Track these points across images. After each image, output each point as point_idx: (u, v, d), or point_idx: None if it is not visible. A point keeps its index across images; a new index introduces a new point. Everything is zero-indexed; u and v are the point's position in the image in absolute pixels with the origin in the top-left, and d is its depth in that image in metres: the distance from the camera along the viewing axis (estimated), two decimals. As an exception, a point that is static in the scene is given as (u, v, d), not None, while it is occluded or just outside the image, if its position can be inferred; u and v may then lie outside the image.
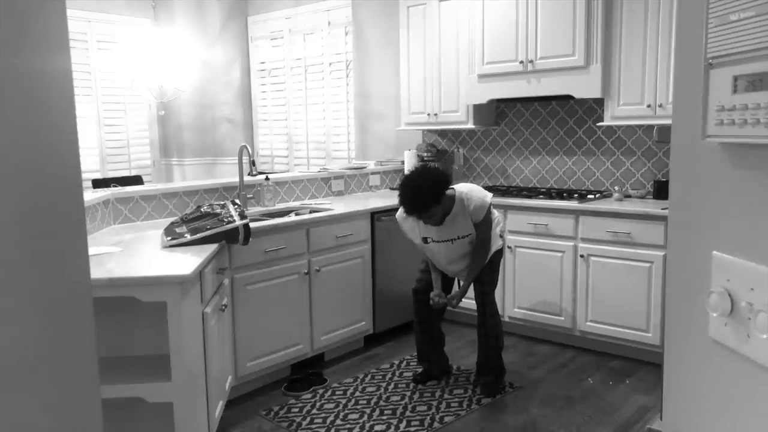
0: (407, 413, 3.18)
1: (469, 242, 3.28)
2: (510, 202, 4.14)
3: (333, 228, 3.80)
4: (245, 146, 4.04)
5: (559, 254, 3.96)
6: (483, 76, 4.41)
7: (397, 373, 3.68)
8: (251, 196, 4.08)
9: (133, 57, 6.22)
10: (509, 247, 4.14)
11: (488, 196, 3.28)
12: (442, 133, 5.19)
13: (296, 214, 3.93)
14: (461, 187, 3.27)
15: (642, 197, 4.08)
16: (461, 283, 3.40)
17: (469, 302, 3.63)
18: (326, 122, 6.09)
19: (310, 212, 3.97)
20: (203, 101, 6.61)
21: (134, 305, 2.51)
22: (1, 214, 0.83)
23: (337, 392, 3.43)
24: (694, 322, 1.02)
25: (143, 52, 6.21)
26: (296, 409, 3.23)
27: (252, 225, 3.15)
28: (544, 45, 4.10)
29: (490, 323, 3.37)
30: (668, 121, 3.51)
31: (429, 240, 3.28)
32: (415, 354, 3.65)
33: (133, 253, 2.74)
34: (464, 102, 4.60)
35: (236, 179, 4.02)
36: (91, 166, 6.03)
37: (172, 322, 2.37)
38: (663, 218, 3.52)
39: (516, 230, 4.14)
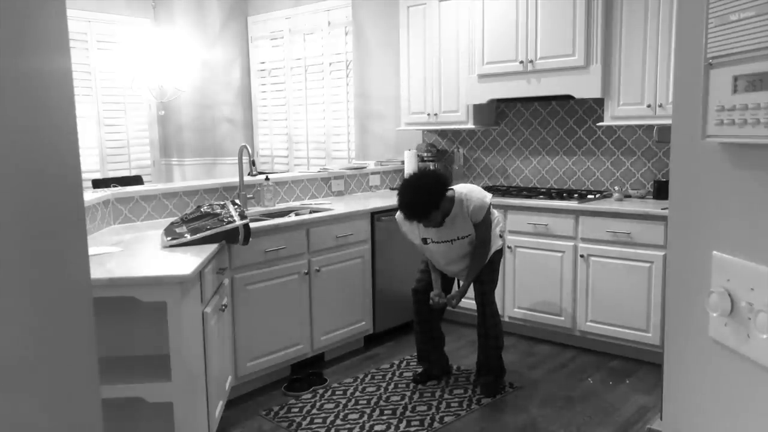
0: (407, 413, 3.18)
1: (468, 243, 3.28)
2: (510, 202, 4.14)
3: (333, 228, 3.80)
4: (245, 146, 4.04)
5: (559, 254, 3.96)
6: (483, 76, 4.41)
7: (397, 373, 3.68)
8: (251, 196, 4.08)
9: (133, 57, 6.22)
10: (509, 247, 4.14)
11: (487, 197, 3.28)
12: (442, 133, 5.19)
13: (296, 214, 3.93)
14: (460, 188, 3.27)
15: (642, 197, 4.08)
16: (461, 283, 3.40)
17: (469, 302, 3.63)
18: (326, 122, 6.09)
19: (310, 212, 3.97)
20: (203, 101, 6.61)
21: (134, 305, 2.51)
22: (1, 214, 0.83)
23: (337, 392, 3.43)
24: (694, 322, 1.02)
25: (143, 52, 6.21)
26: (296, 409, 3.23)
27: (252, 225, 3.15)
28: (544, 45, 4.10)
29: (490, 323, 3.37)
30: (668, 121, 3.51)
31: (428, 241, 3.28)
32: (415, 354, 3.65)
33: (133, 253, 2.74)
34: (464, 102, 4.60)
35: (236, 179, 4.02)
36: (91, 166, 6.03)
37: (172, 322, 2.37)
38: (663, 218, 3.52)
39: (516, 230, 4.14)
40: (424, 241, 3.29)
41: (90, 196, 3.25)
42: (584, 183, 4.49)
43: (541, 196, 4.18)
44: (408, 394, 3.40)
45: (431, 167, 5.00)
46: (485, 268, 3.34)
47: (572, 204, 3.92)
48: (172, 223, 3.18)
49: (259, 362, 3.41)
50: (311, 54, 6.14)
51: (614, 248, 3.73)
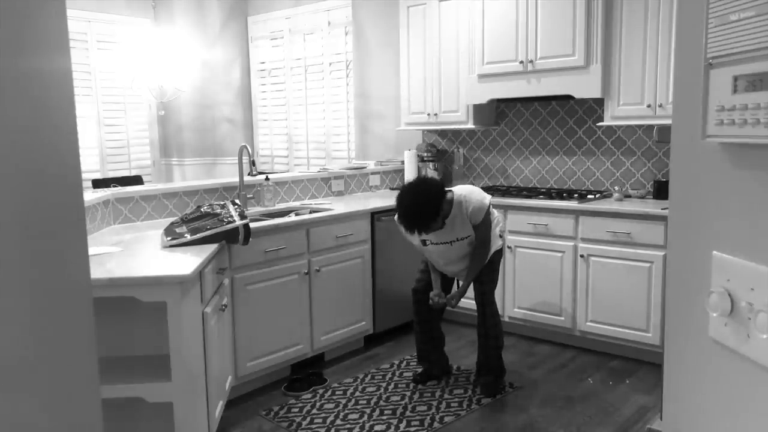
0: (407, 413, 3.18)
1: (468, 243, 3.27)
2: (510, 202, 4.14)
3: (333, 228, 3.80)
4: (245, 146, 4.04)
5: (559, 254, 3.96)
6: (483, 76, 4.41)
7: (397, 373, 3.68)
8: (251, 196, 4.08)
9: (133, 57, 6.22)
10: (509, 247, 4.14)
11: (487, 198, 3.27)
12: (442, 133, 5.19)
13: (296, 214, 3.93)
14: (460, 190, 3.27)
15: (642, 197, 4.08)
16: (461, 283, 3.40)
17: (469, 302, 3.63)
18: (326, 122, 6.09)
19: (310, 212, 3.97)
20: (203, 101, 6.61)
21: (134, 305, 2.51)
22: (1, 214, 0.83)
23: (337, 392, 3.43)
24: (694, 322, 1.02)
25: (143, 52, 6.21)
26: (296, 409, 3.23)
27: (252, 225, 3.15)
28: (544, 45, 4.10)
29: (490, 323, 3.37)
30: (668, 121, 3.51)
31: (428, 242, 3.27)
32: (415, 354, 3.65)
33: (133, 253, 2.74)
34: (464, 102, 4.60)
35: (236, 179, 4.02)
36: (91, 166, 6.03)
37: (172, 322, 2.37)
38: (663, 218, 3.52)
39: (516, 230, 4.14)
40: (423, 242, 3.29)
41: (90, 196, 3.25)
42: (584, 183, 4.50)
43: (541, 196, 4.18)
44: (408, 394, 3.40)
45: (426, 174, 5.01)
46: (485, 268, 3.34)
47: (572, 204, 3.92)
48: (172, 223, 3.18)
49: (259, 362, 3.41)
50: (311, 54, 6.14)
51: (614, 248, 3.73)
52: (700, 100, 0.95)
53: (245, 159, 4.09)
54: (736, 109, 0.87)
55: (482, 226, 3.24)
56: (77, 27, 5.91)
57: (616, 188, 4.07)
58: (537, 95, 4.21)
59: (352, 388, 3.48)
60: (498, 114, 4.86)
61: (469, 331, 4.20)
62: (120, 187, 3.72)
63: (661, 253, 3.53)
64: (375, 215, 4.08)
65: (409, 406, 3.25)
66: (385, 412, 3.20)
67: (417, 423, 3.07)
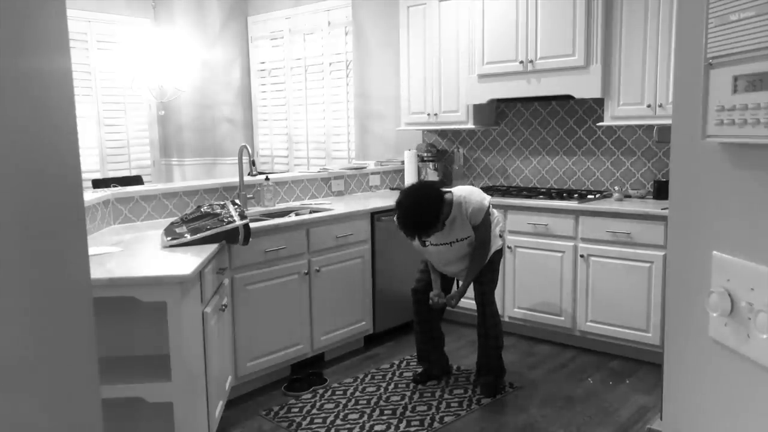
0: (407, 413, 3.18)
1: (468, 244, 3.27)
2: (510, 202, 4.14)
3: (333, 228, 3.80)
4: (245, 146, 4.04)
5: (559, 254, 3.96)
6: (483, 76, 4.41)
7: (397, 373, 3.68)
8: (251, 196, 4.08)
9: (133, 57, 6.22)
10: (509, 247, 4.14)
11: (486, 199, 3.27)
12: (442, 133, 5.19)
13: (296, 214, 3.93)
14: (459, 191, 3.27)
15: (642, 197, 4.08)
16: (461, 282, 3.40)
17: (469, 302, 3.63)
18: (326, 122, 6.09)
19: (310, 212, 3.97)
20: (203, 101, 6.61)
21: (134, 305, 2.51)
22: (1, 214, 0.83)
23: (337, 392, 3.43)
24: (694, 322, 1.02)
25: (143, 52, 6.21)
26: (296, 409, 3.23)
27: (252, 225, 3.15)
28: (544, 45, 4.10)
29: (490, 323, 3.37)
30: (668, 121, 3.51)
31: (427, 243, 3.27)
32: (415, 354, 3.65)
33: (133, 253, 2.74)
34: (464, 102, 4.60)
35: (236, 179, 4.02)
36: (91, 166, 6.03)
37: (172, 322, 2.37)
38: (663, 218, 3.52)
39: (516, 230, 4.14)
40: (423, 243, 3.29)
41: (90, 196, 3.25)
42: (584, 183, 4.49)
43: (541, 196, 4.18)
44: (408, 394, 3.40)
45: (426, 174, 5.02)
46: (485, 268, 3.34)
47: (572, 204, 3.92)
48: (172, 223, 3.18)
49: (259, 362, 3.41)
50: (311, 54, 6.14)
51: (614, 248, 3.73)
52: (700, 100, 0.95)
53: (245, 159, 4.09)
54: (736, 109, 0.87)
55: (482, 226, 3.24)
56: (77, 27, 5.91)
57: (616, 188, 4.07)
58: (537, 95, 4.21)
59: (352, 388, 3.48)
60: (498, 114, 4.86)
61: (469, 331, 4.20)
62: (120, 187, 3.72)
63: (661, 253, 3.53)
64: (375, 215, 4.08)
65: (409, 406, 3.25)
66: (385, 412, 3.20)
67: (417, 423, 3.07)
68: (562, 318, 4.00)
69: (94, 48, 6.10)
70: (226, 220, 3.06)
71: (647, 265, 3.61)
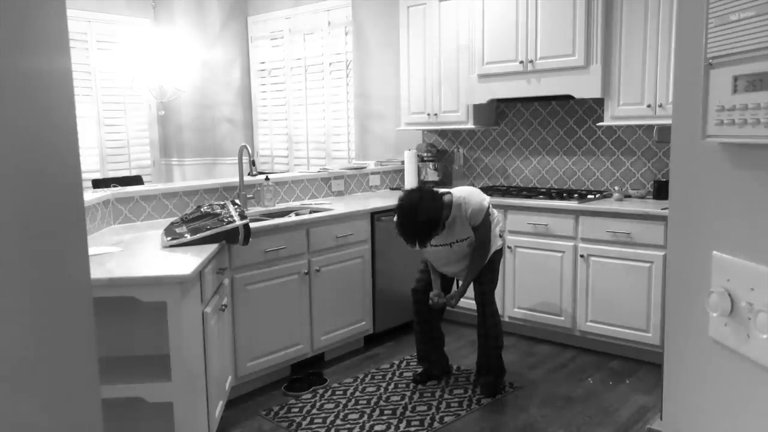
0: (407, 413, 3.18)
1: (467, 245, 3.27)
2: (510, 202, 4.14)
3: (333, 228, 3.80)
4: (245, 146, 4.04)
5: (559, 254, 3.96)
6: (483, 76, 4.41)
7: (397, 373, 3.68)
8: (251, 196, 4.08)
9: (133, 57, 6.22)
10: (509, 247, 4.14)
11: (485, 200, 3.27)
12: (442, 133, 5.19)
13: (296, 214, 3.93)
14: (458, 192, 3.26)
15: (642, 197, 4.08)
16: (460, 282, 3.40)
17: (469, 302, 3.63)
18: (326, 122, 6.09)
19: (310, 212, 3.97)
20: (203, 101, 6.61)
21: (134, 305, 2.51)
22: (1, 214, 0.83)
23: (337, 392, 3.43)
24: (694, 322, 1.02)
25: (143, 52, 6.21)
26: (296, 409, 3.23)
27: (252, 225, 3.15)
28: (544, 45, 4.10)
29: (490, 323, 3.37)
30: (668, 121, 3.51)
31: (427, 244, 3.27)
32: (415, 354, 3.65)
33: (133, 253, 2.74)
34: (464, 102, 4.60)
35: (236, 179, 4.02)
36: (91, 166, 6.03)
37: (172, 322, 2.37)
38: (663, 218, 3.52)
39: (516, 230, 4.14)
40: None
41: (90, 196, 3.25)
42: (584, 183, 4.50)
43: (541, 196, 4.18)
44: (408, 394, 3.40)
45: (426, 175, 5.02)
46: (485, 268, 3.34)
47: (572, 204, 3.91)
48: (172, 223, 3.18)
49: (259, 362, 3.40)
50: (311, 54, 6.14)
51: (614, 248, 3.73)
52: (700, 100, 0.95)
53: (245, 159, 4.09)
54: (736, 109, 0.87)
55: (482, 227, 3.24)
56: (77, 27, 5.91)
57: (616, 188, 4.07)
58: (537, 95, 4.21)
59: (352, 388, 3.48)
60: (498, 114, 4.86)
61: (469, 331, 4.20)
62: (120, 187, 3.72)
63: (661, 253, 3.53)
64: (375, 215, 4.08)
65: (409, 406, 3.25)
66: (385, 412, 3.20)
67: (417, 423, 3.07)
68: (562, 318, 4.00)
69: (94, 48, 6.10)
70: (226, 220, 3.06)
71: (647, 265, 3.61)
